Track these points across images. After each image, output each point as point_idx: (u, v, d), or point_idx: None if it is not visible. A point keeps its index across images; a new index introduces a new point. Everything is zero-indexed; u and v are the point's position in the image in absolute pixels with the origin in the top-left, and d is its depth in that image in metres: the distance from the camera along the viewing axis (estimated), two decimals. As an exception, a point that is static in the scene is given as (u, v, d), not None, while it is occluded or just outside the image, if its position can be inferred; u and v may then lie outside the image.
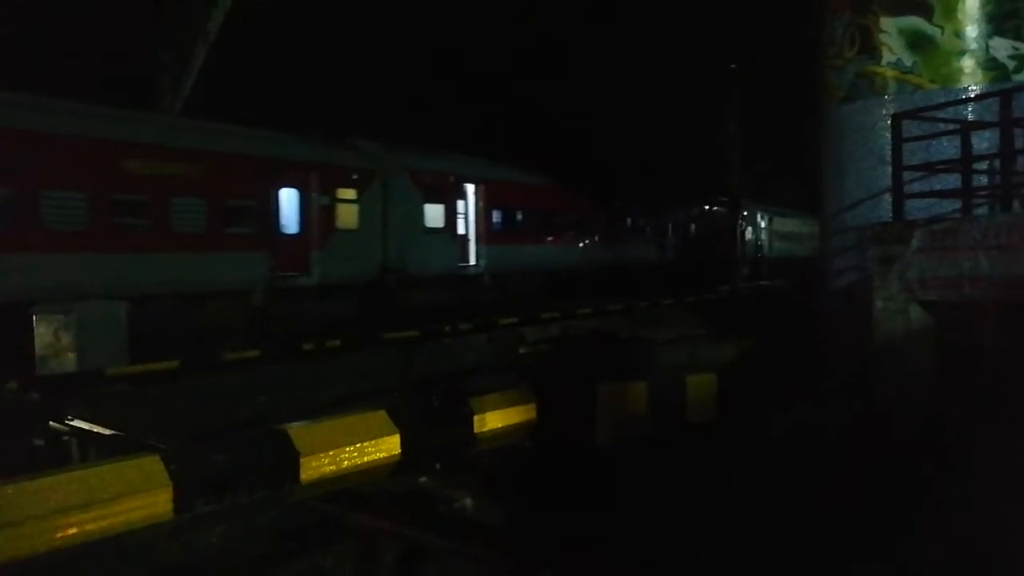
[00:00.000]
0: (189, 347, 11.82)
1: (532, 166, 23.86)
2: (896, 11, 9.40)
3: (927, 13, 9.24)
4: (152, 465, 5.70)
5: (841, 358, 9.02)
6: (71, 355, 10.61)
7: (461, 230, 20.51)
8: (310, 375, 10.17)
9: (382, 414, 6.77)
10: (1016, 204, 8.40)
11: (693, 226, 32.30)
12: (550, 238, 24.15)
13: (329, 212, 16.83)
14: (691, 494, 5.87)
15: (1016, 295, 6.75)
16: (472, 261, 20.82)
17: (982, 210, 8.46)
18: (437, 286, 18.97)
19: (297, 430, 6.43)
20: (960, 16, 9.15)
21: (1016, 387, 6.48)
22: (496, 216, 21.71)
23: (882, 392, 7.68)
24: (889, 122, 8.78)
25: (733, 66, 24.95)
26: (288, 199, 16.10)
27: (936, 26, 9.22)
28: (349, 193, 17.34)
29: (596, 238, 26.16)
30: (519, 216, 22.81)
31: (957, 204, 8.54)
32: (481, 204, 21.03)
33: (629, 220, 28.92)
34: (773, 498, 5.63)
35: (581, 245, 25.51)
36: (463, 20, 24.16)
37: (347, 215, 17.23)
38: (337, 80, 22.99)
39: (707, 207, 33.08)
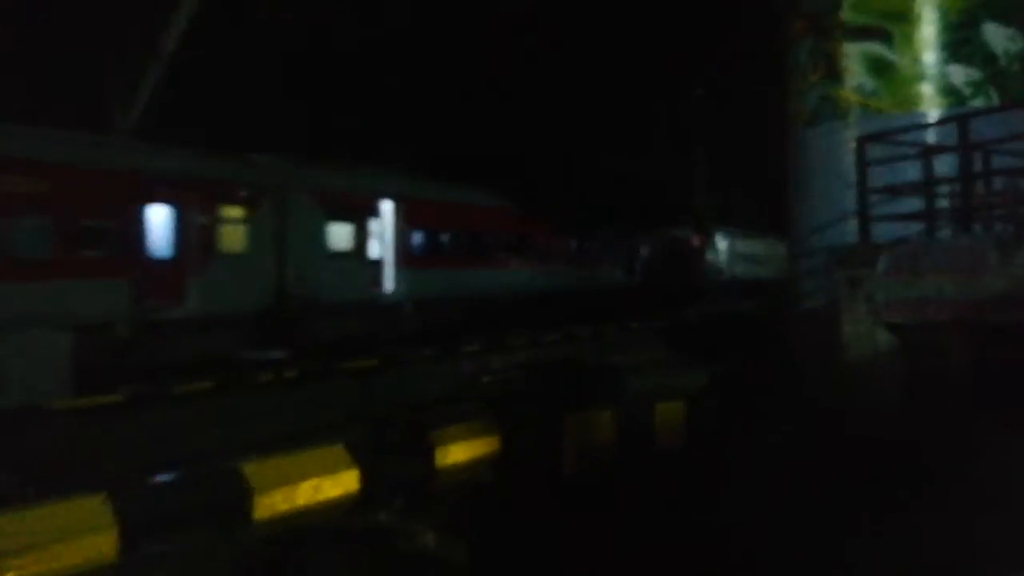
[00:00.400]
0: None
1: (483, 186, 22.61)
2: (857, 37, 9.52)
3: (887, 39, 9.36)
4: (96, 505, 5.43)
5: (811, 381, 8.97)
6: (8, 387, 10.09)
7: (376, 253, 18.18)
8: (265, 407, 9.84)
9: (340, 449, 6.53)
10: (977, 227, 8.47)
11: (653, 249, 31.14)
12: (491, 262, 22.08)
13: (210, 233, 14.70)
14: (659, 524, 5.71)
15: (979, 317, 6.75)
16: (388, 288, 18.45)
17: (945, 233, 8.51)
18: (345, 316, 16.83)
19: (250, 466, 6.18)
20: (918, 43, 9.30)
21: (981, 407, 6.48)
22: (420, 238, 19.53)
23: (852, 414, 7.62)
24: (853, 145, 8.84)
25: (699, 90, 25.32)
26: (158, 218, 13.90)
27: (896, 52, 9.34)
28: (236, 212, 15.25)
29: (548, 262, 24.45)
30: (449, 238, 20.70)
31: (921, 227, 8.58)
32: (401, 224, 18.70)
33: (587, 243, 27.28)
34: (741, 525, 5.51)
35: (530, 269, 23.62)
36: (425, 39, 24.13)
37: (233, 237, 15.08)
38: (293, 101, 22.66)
39: (670, 229, 32.34)
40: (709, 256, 33.76)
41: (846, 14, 9.60)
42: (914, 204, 8.72)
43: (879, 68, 9.42)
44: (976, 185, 8.64)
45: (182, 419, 9.15)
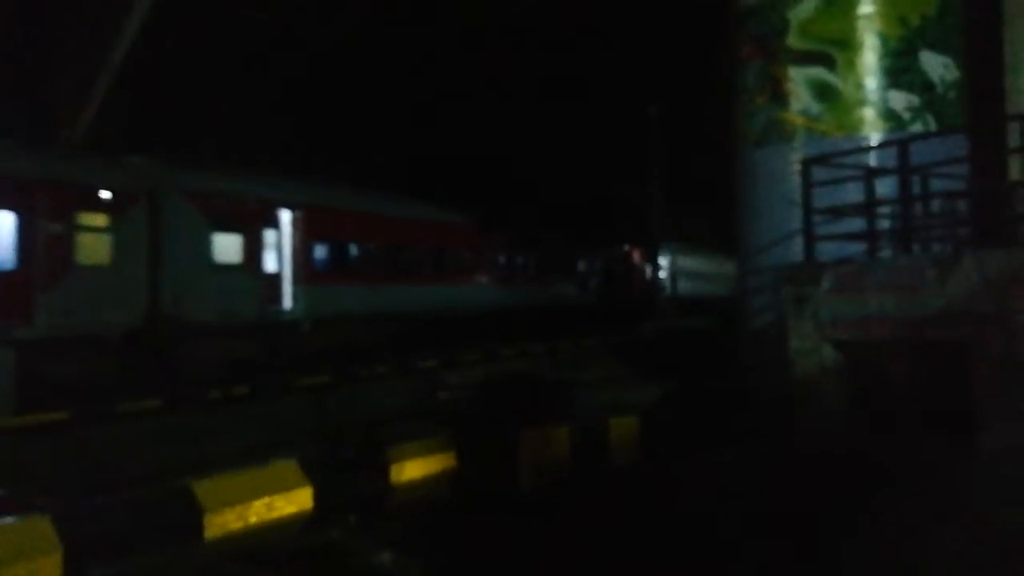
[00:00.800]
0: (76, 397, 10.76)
1: (424, 198, 21.71)
2: (803, 62, 9.83)
3: (831, 65, 9.69)
4: (40, 527, 5.28)
5: (760, 397, 9.16)
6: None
7: (271, 266, 16.25)
8: (216, 425, 9.65)
9: (293, 465, 6.46)
10: (916, 247, 8.80)
11: (591, 266, 30.28)
12: (419, 278, 20.54)
13: (65, 243, 12.82)
14: (614, 540, 5.76)
15: (918, 334, 6.99)
16: (286, 305, 16.51)
17: (886, 252, 8.81)
18: (231, 336, 15.09)
19: (201, 485, 6.08)
20: (860, 69, 9.65)
21: (922, 420, 6.70)
22: (327, 250, 17.78)
23: (799, 429, 7.80)
24: (798, 166, 9.10)
25: (652, 108, 25.70)
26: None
27: (839, 77, 9.68)
28: (98, 219, 13.36)
29: (484, 278, 23.22)
30: (365, 251, 19.02)
31: (864, 246, 8.87)
32: (302, 235, 16.81)
33: (527, 259, 25.85)
34: (695, 540, 5.59)
35: (468, 286, 22.32)
36: (379, 56, 24.09)
37: (94, 247, 13.26)
38: (250, 112, 22.34)
39: (609, 246, 31.64)
40: (651, 273, 33.58)
41: (792, 40, 9.91)
42: (857, 224, 9.02)
43: (823, 92, 9.74)
44: (915, 206, 8.98)
45: (129, 437, 8.93)
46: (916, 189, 8.85)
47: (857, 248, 8.88)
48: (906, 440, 6.73)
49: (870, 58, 9.64)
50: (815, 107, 9.78)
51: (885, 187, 9.04)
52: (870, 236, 8.85)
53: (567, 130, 28.49)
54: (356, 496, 6.64)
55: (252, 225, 15.89)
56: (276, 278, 16.40)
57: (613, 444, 7.89)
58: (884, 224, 9.10)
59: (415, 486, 7.04)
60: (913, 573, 4.85)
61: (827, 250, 8.68)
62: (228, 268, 15.30)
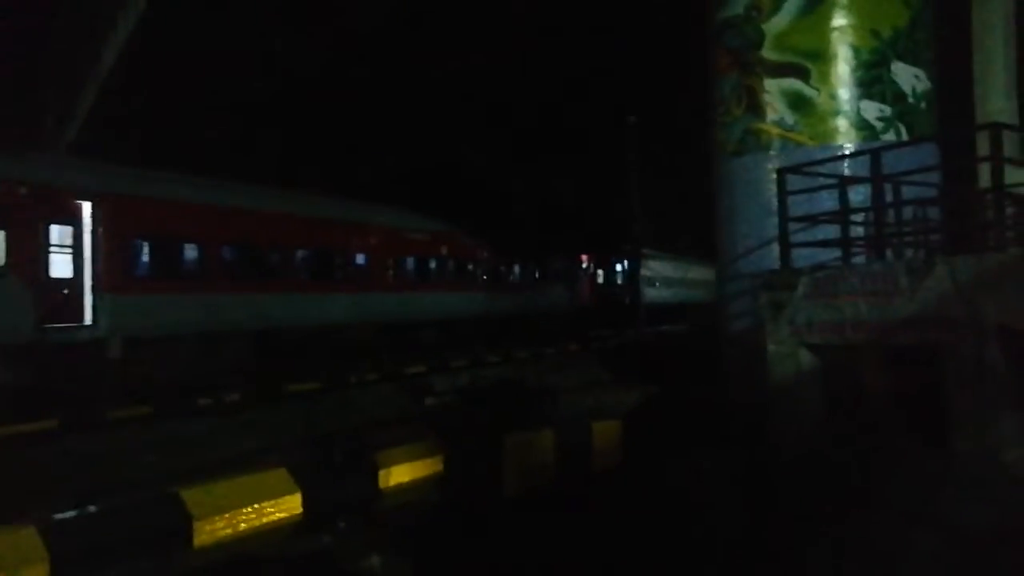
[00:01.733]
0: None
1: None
2: (778, 73, 10.05)
3: (805, 76, 9.92)
4: (26, 537, 5.29)
5: (739, 401, 9.32)
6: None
7: (61, 271, 13.07)
8: (205, 432, 9.67)
9: (282, 472, 6.52)
10: (889, 253, 9.01)
11: (543, 272, 28.23)
12: (294, 284, 17.28)
13: None
14: (600, 543, 5.87)
15: (892, 338, 7.17)
16: (85, 319, 13.23)
17: (860, 258, 9.01)
18: None
19: (190, 492, 6.11)
20: (833, 80, 9.88)
21: (896, 423, 6.87)
22: (149, 251, 14.50)
23: (776, 433, 7.95)
24: (775, 176, 9.29)
25: (632, 118, 25.92)
26: None
27: (813, 88, 9.90)
28: None
29: (391, 286, 20.30)
30: (209, 252, 15.51)
31: (838, 252, 9.08)
32: (111, 232, 13.63)
33: (454, 263, 23.06)
34: (677, 544, 5.71)
35: (356, 293, 19.02)
36: (360, 65, 24.15)
37: None
38: (240, 126, 22.31)
39: (566, 252, 29.90)
40: (602, 279, 32.42)
41: (767, 51, 10.12)
42: (832, 231, 9.22)
43: (798, 103, 9.96)
44: (888, 214, 9.21)
45: (118, 445, 8.92)
46: (889, 197, 9.07)
47: (832, 254, 9.07)
48: (880, 443, 6.89)
49: (843, 69, 9.87)
50: (790, 117, 9.99)
51: (859, 195, 9.26)
52: (845, 243, 9.06)
53: (544, 140, 28.54)
54: (345, 502, 6.70)
55: (26, 218, 12.66)
56: (71, 285, 13.15)
57: (596, 448, 8.01)
58: (858, 231, 9.31)
59: (403, 490, 7.12)
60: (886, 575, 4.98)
61: (803, 256, 8.86)
62: None
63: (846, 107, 9.84)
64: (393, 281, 20.41)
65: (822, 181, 9.27)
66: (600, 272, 32.69)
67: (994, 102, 11.10)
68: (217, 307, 15.30)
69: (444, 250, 22.51)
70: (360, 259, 19.45)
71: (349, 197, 20.53)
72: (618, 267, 34.23)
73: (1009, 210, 8.05)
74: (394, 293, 20.18)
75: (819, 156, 9.47)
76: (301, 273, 17.74)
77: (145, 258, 14.50)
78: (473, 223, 24.06)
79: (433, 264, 22.08)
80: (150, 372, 13.53)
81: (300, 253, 17.77)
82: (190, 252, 15.35)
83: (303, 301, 17.35)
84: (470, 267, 23.70)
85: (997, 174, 7.25)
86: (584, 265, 31.32)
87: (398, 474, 7.16)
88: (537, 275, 27.58)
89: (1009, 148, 8.56)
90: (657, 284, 36.46)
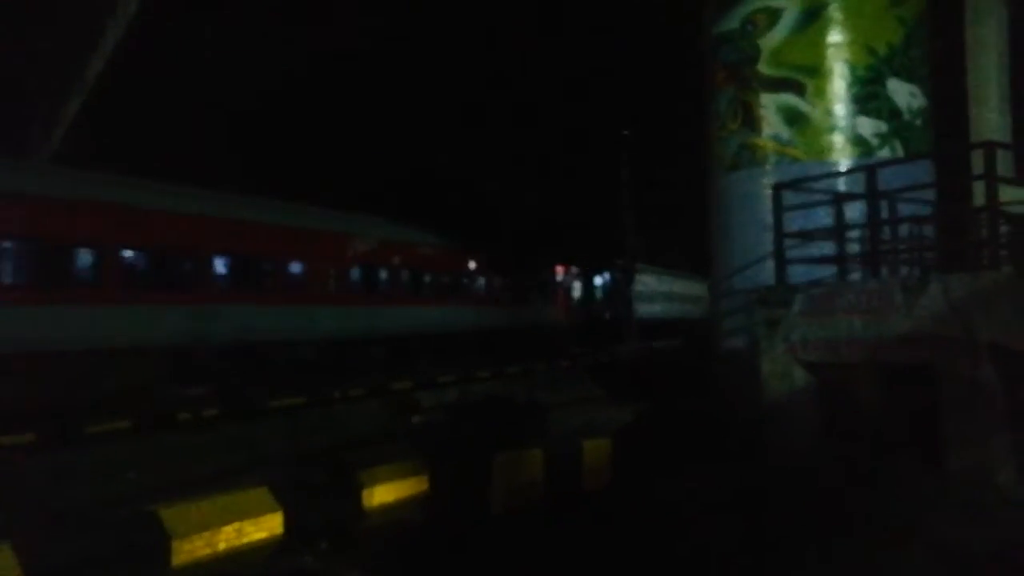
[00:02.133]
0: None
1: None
2: (774, 88, 10.01)
3: (801, 92, 9.88)
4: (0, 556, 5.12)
5: (733, 418, 9.20)
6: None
7: None
8: (184, 448, 9.48)
9: (263, 491, 6.35)
10: (884, 270, 8.94)
11: (515, 287, 26.94)
12: (204, 294, 15.39)
13: None
14: (588, 564, 5.75)
15: (887, 356, 7.08)
16: None
17: (855, 275, 8.94)
18: None
19: (168, 511, 5.94)
20: (829, 96, 9.84)
21: (890, 442, 6.77)
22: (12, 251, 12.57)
23: (770, 451, 7.84)
24: (770, 191, 9.23)
25: (625, 132, 25.93)
26: None
27: (809, 104, 9.86)
28: None
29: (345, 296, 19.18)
30: (105, 257, 13.62)
31: (833, 269, 9.00)
32: None
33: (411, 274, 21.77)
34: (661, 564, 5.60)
35: (301, 305, 17.65)
36: (359, 66, 24.06)
37: None
38: (223, 134, 22.18)
39: (540, 264, 28.75)
40: (576, 292, 31.34)
41: (763, 66, 10.09)
42: (827, 248, 9.15)
43: (794, 119, 9.92)
44: (883, 231, 9.14)
45: (95, 460, 8.74)
46: (884, 214, 9.01)
47: (827, 271, 9.00)
48: (874, 461, 6.79)
49: (839, 85, 9.84)
50: (786, 133, 9.94)
51: (854, 211, 9.20)
52: (840, 259, 8.99)
53: (537, 152, 28.44)
54: (327, 521, 6.54)
55: None
56: None
57: (586, 467, 7.87)
58: (853, 248, 9.25)
59: (387, 510, 6.96)
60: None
61: (798, 273, 8.79)
62: None
63: (842, 123, 9.81)
64: (333, 293, 19.10)
65: (818, 197, 9.21)
66: (577, 285, 31.16)
67: (988, 119, 11.08)
68: (107, 320, 13.42)
69: (393, 258, 21.06)
70: (296, 268, 18.19)
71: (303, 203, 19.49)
72: (597, 280, 32.84)
73: (1003, 228, 8.00)
74: (332, 306, 18.82)
75: (815, 172, 9.42)
76: (220, 280, 16.11)
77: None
78: (437, 228, 22.88)
79: (374, 273, 20.62)
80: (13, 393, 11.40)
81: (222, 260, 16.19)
82: (84, 257, 13.58)
83: (222, 312, 15.67)
84: (426, 278, 21.93)
85: (991, 192, 7.20)
86: (559, 278, 29.85)
87: (383, 493, 7.00)
88: (502, 288, 26.00)
89: (1003, 166, 8.52)
90: (649, 299, 36.01)
